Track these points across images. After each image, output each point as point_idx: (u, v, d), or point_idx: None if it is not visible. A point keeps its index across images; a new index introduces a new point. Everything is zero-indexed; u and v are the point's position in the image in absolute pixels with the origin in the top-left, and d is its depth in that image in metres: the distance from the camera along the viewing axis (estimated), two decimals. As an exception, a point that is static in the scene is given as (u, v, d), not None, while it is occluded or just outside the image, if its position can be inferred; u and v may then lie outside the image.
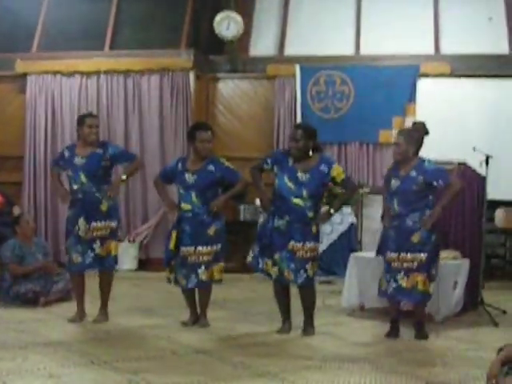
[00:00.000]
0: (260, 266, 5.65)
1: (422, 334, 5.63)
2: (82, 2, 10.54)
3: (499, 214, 8.83)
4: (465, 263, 6.43)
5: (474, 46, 9.78)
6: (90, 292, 6.28)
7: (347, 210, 9.22)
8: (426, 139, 5.91)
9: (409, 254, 5.55)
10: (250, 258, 5.72)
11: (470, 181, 6.60)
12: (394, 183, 5.66)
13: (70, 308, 6.32)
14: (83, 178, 5.98)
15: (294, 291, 5.76)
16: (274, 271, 5.61)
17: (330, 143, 9.70)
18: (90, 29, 10.48)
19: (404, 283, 5.56)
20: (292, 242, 5.52)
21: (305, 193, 5.53)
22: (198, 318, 5.97)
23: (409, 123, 8.90)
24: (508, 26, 9.90)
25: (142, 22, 10.62)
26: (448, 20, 10.12)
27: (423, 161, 5.63)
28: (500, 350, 3.31)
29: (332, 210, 5.64)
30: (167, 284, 6.02)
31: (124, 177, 6.15)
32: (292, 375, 4.42)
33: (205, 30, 10.41)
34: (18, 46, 10.54)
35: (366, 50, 10.17)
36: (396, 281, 5.59)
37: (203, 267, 5.78)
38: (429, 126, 5.99)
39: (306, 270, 5.53)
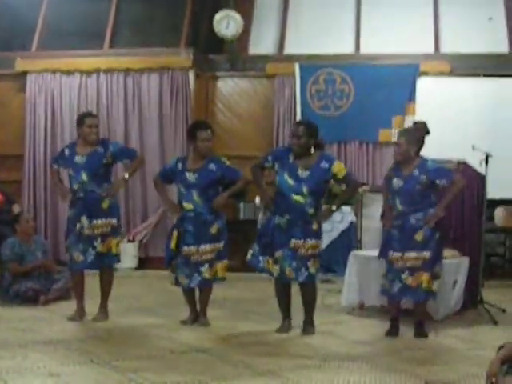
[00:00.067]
0: (260, 264, 5.65)
1: (421, 333, 5.63)
2: (81, 1, 10.51)
3: (499, 212, 8.81)
4: (464, 262, 6.43)
5: (474, 45, 9.76)
6: (89, 290, 6.28)
7: (347, 208, 9.21)
8: (426, 138, 5.92)
9: (413, 253, 5.56)
10: (249, 257, 5.71)
11: (470, 179, 6.59)
12: (397, 183, 5.66)
13: (70, 306, 6.33)
14: (84, 176, 5.97)
15: (295, 290, 5.75)
16: (275, 269, 5.60)
17: (329, 142, 9.66)
18: (90, 27, 10.45)
19: (409, 282, 5.56)
20: (293, 240, 5.51)
21: (305, 189, 5.52)
22: (197, 317, 5.97)
23: (409, 122, 8.95)
24: (508, 25, 9.90)
25: (142, 21, 10.60)
26: (448, 19, 10.11)
27: (426, 160, 5.64)
28: (500, 348, 3.31)
29: (334, 207, 5.65)
30: (168, 283, 6.01)
31: (127, 176, 6.15)
32: (292, 374, 4.43)
33: (204, 29, 10.40)
34: (17, 44, 10.52)
35: (366, 48, 10.15)
36: (401, 280, 5.60)
37: (207, 265, 5.78)
38: (428, 125, 5.99)
39: (307, 268, 5.53)
